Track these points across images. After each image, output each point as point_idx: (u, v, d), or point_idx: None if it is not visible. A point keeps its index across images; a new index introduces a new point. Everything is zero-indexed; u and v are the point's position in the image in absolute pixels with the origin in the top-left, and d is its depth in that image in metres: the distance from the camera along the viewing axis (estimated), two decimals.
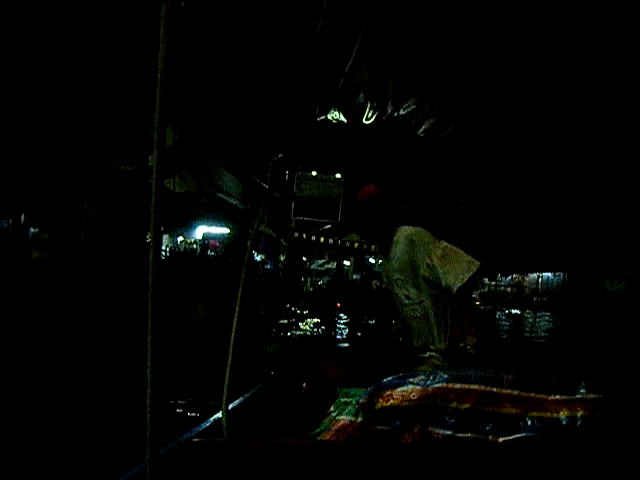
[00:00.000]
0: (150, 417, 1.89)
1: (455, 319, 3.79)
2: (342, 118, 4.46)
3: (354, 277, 42.37)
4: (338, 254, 40.12)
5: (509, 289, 43.99)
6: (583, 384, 2.35)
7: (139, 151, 13.15)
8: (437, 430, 2.33)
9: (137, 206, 12.48)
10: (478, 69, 4.29)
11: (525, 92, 4.22)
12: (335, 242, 35.79)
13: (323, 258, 40.79)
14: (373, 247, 37.83)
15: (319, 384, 3.47)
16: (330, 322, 22.29)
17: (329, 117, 4.97)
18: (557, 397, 2.32)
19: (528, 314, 35.52)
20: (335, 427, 2.49)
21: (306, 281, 34.31)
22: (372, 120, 5.68)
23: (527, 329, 27.03)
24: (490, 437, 2.26)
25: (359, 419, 2.44)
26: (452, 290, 3.66)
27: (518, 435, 2.24)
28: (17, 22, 9.08)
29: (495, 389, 2.37)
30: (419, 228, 3.93)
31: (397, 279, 4.03)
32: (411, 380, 2.48)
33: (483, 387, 2.38)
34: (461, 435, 2.29)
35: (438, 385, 2.42)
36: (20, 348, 7.45)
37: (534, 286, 43.76)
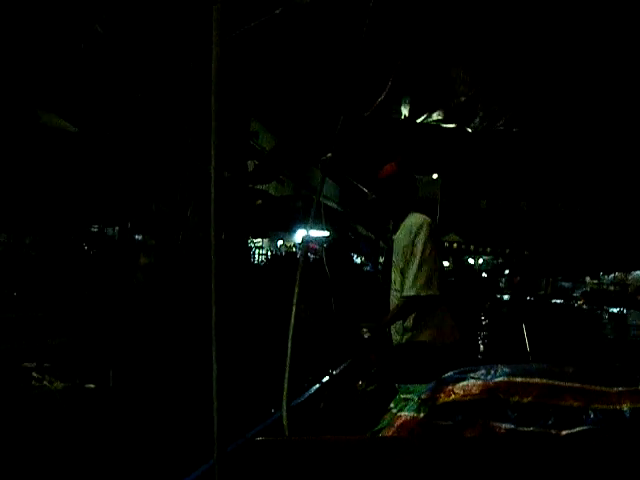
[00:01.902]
0: (217, 417, 2.03)
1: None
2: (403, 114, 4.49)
3: (453, 278, 41.76)
4: None
5: (612, 287, 42.21)
6: None
7: (238, 157, 13.51)
8: (499, 424, 2.34)
9: (237, 211, 12.82)
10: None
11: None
12: None
13: None
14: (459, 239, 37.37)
15: (375, 381, 3.52)
16: None
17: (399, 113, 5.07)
18: (619, 389, 2.32)
19: (631, 314, 33.94)
20: (397, 423, 2.52)
21: None
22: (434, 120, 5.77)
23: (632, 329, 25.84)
24: (553, 430, 2.27)
25: (421, 415, 2.46)
26: (401, 292, 3.68)
27: (581, 428, 2.25)
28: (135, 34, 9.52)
29: (557, 382, 2.38)
30: (428, 220, 3.80)
31: (393, 261, 3.97)
32: (472, 375, 2.50)
33: (545, 380, 2.39)
34: (524, 429, 2.30)
35: (499, 379, 2.43)
36: (130, 351, 7.74)
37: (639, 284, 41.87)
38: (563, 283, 41.72)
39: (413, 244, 3.68)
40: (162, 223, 11.45)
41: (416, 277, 3.62)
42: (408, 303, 3.65)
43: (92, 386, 6.62)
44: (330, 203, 26.06)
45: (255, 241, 20.27)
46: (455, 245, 35.53)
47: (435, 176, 28.33)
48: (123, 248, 11.39)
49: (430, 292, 3.58)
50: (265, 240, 22.64)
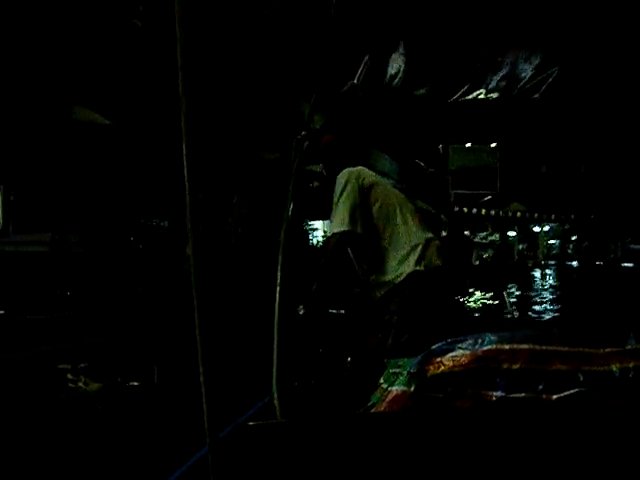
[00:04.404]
0: (207, 405, 2.04)
1: None
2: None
3: (520, 247, 41.27)
4: (501, 225, 39.22)
5: None
6: (632, 335, 2.31)
7: (283, 139, 13.46)
8: (490, 392, 2.32)
9: (284, 194, 12.79)
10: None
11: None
12: (497, 213, 35.03)
13: (486, 230, 40.03)
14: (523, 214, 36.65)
15: (364, 357, 3.50)
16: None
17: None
18: (607, 350, 2.29)
19: None
20: (388, 398, 2.49)
21: (471, 255, 33.75)
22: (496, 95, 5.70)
23: None
24: (544, 395, 2.26)
25: (411, 388, 2.43)
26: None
27: (572, 391, 2.23)
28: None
29: (545, 347, 2.35)
30: (349, 169, 3.92)
31: None
32: (460, 345, 2.47)
33: (533, 346, 2.36)
34: (514, 395, 2.29)
35: (487, 347, 2.41)
36: (174, 344, 7.72)
37: None
38: (633, 246, 40.68)
39: (344, 188, 3.82)
40: (209, 211, 11.49)
41: (332, 219, 3.81)
42: (329, 242, 3.83)
43: (136, 384, 6.59)
44: (389, 180, 25.83)
45: (310, 223, 20.30)
46: (519, 214, 35.11)
47: (493, 145, 27.82)
48: (172, 240, 11.50)
49: (343, 228, 3.71)
50: (324, 222, 22.63)
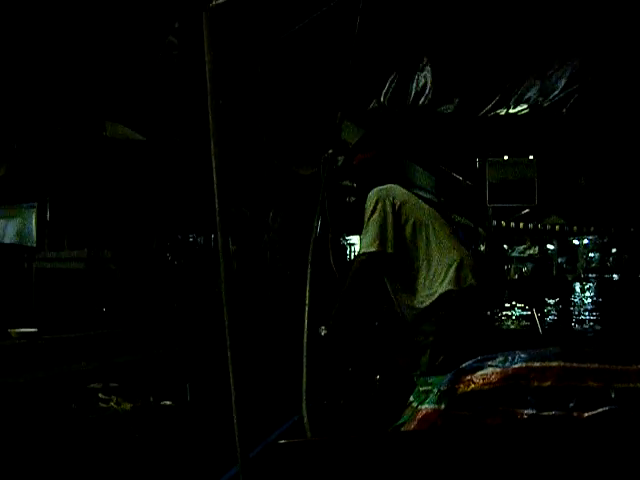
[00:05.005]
0: (238, 424, 2.05)
1: None
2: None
3: (559, 260, 40.88)
4: (540, 238, 38.92)
5: None
6: None
7: (318, 154, 13.42)
8: (521, 410, 2.31)
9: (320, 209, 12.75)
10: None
11: None
12: (535, 226, 34.81)
13: (524, 244, 39.72)
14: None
15: (393, 375, 3.48)
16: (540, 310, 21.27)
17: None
18: (639, 367, 2.27)
19: None
20: (418, 417, 2.49)
21: (509, 269, 33.46)
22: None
23: None
24: (575, 413, 2.24)
25: (442, 406, 2.43)
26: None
27: (603, 408, 2.21)
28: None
29: (576, 364, 2.33)
30: (379, 188, 3.88)
31: None
32: (490, 363, 2.45)
33: (564, 363, 2.34)
34: (546, 413, 2.27)
35: (518, 365, 2.39)
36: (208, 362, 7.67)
37: None
38: None
39: (372, 207, 3.77)
40: (243, 227, 11.48)
41: (361, 239, 3.76)
42: (355, 262, 3.78)
43: (168, 403, 6.52)
44: (425, 194, 25.74)
45: (347, 238, 20.28)
46: (557, 227, 34.80)
47: (531, 157, 27.63)
48: (207, 255, 11.52)
49: (372, 249, 3.64)
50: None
